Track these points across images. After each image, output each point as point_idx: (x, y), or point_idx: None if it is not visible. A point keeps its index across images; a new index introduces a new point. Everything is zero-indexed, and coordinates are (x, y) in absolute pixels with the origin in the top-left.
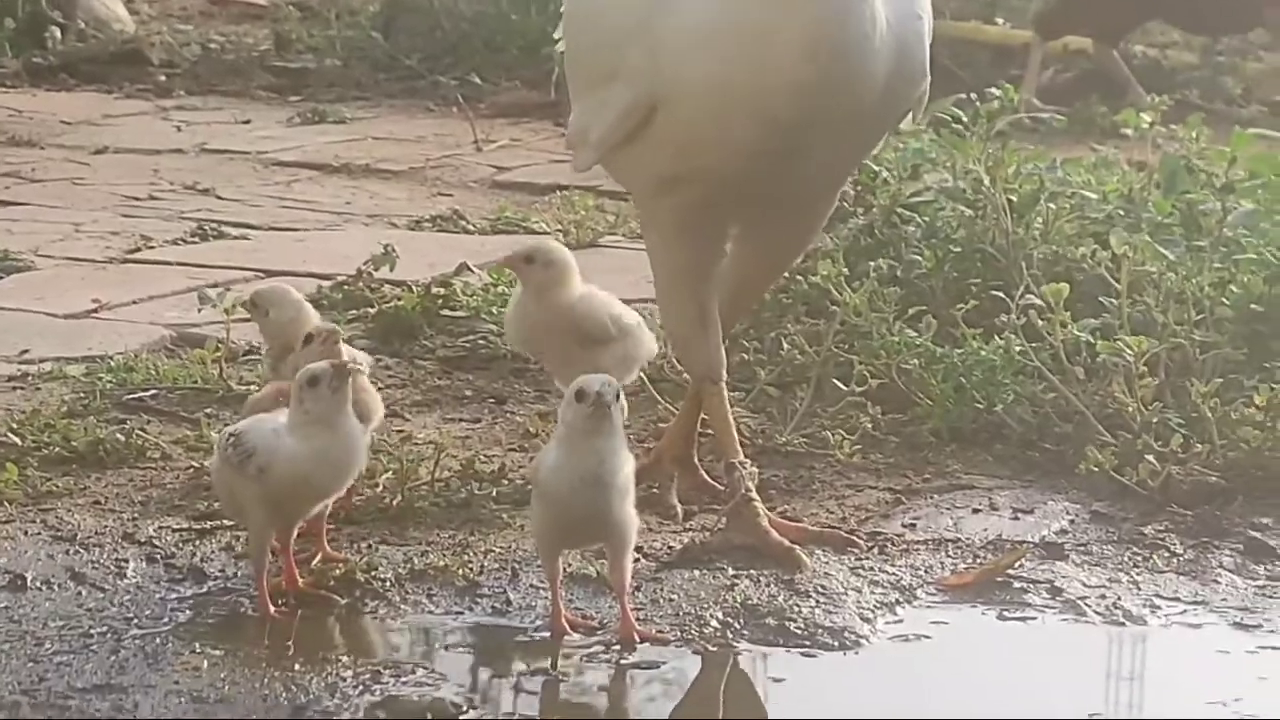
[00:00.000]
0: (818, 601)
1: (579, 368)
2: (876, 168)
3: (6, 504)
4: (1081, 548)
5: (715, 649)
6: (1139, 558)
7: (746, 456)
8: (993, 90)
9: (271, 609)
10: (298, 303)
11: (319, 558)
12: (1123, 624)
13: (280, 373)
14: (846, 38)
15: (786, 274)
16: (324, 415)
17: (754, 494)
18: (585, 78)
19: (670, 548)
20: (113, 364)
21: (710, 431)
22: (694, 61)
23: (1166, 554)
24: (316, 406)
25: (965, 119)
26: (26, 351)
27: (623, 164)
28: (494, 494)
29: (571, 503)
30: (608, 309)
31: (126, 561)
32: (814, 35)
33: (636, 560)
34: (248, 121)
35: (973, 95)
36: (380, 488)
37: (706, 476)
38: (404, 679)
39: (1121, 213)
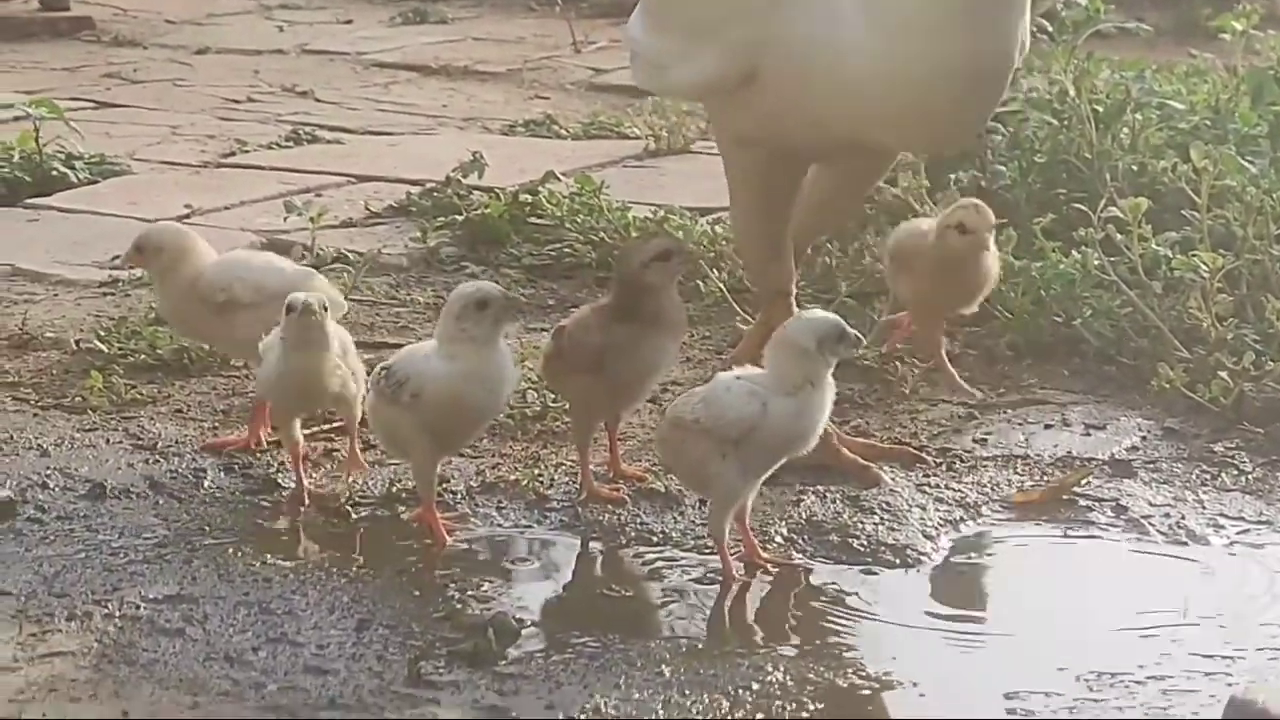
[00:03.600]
0: (881, 518)
1: None
2: None
3: (91, 412)
4: (1150, 465)
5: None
6: (1207, 476)
7: None
8: (1078, 0)
9: (448, 538)
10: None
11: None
12: (1185, 543)
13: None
14: (994, 89)
15: None
16: (480, 338)
17: None
18: (677, 20)
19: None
20: None
21: None
22: (815, 81)
23: (1235, 472)
24: (477, 330)
25: (1051, 29)
26: (118, 257)
27: (704, 103)
28: (569, 405)
29: None
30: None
31: (204, 471)
32: (967, 92)
33: None
34: (350, 21)
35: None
36: None
37: None
38: (469, 592)
39: (1208, 124)
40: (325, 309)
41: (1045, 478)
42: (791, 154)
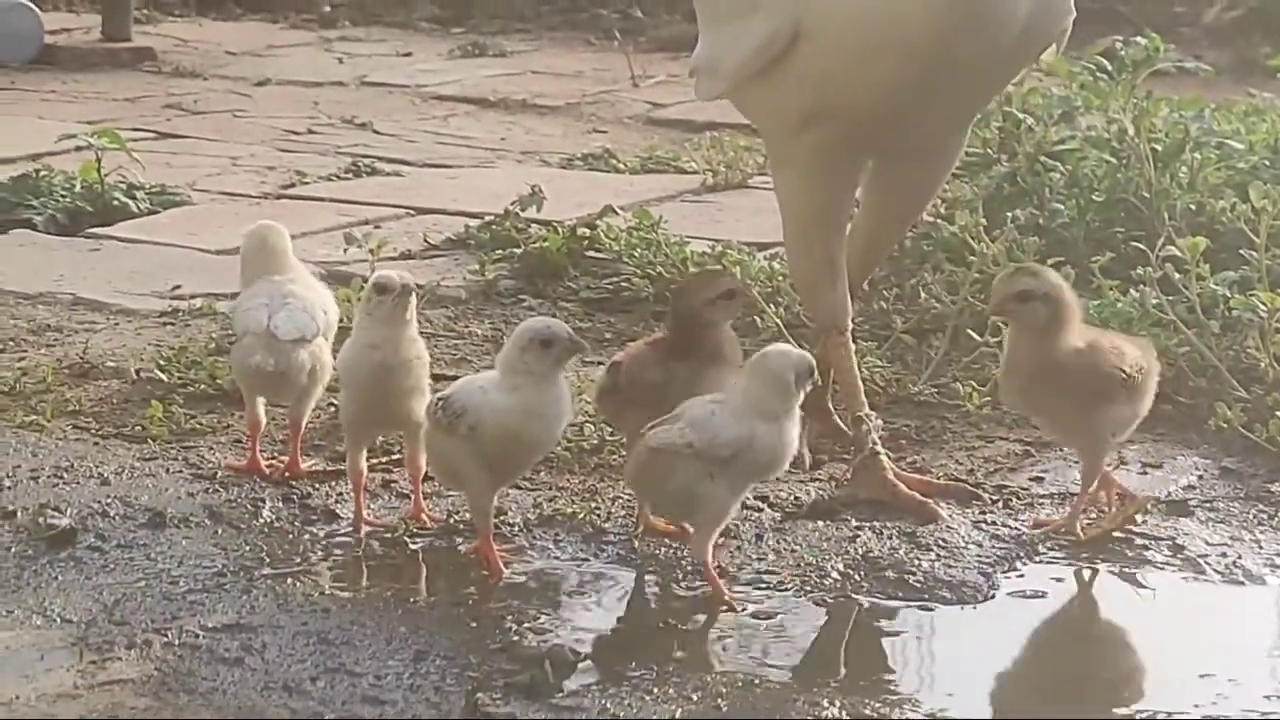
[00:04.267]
0: (938, 555)
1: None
2: (1022, 115)
3: (151, 441)
4: (1207, 504)
5: (834, 600)
6: (1264, 515)
7: (880, 405)
8: (1137, 40)
9: (505, 570)
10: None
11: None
12: (1241, 583)
13: None
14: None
15: (929, 217)
16: (540, 374)
17: (880, 448)
18: (723, 7)
19: (797, 498)
20: None
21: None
22: (864, 18)
23: None
24: (539, 366)
25: (1111, 68)
26: (178, 287)
27: (759, 100)
28: (625, 439)
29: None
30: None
31: (263, 501)
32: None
33: (760, 510)
34: (409, 54)
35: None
36: None
37: (839, 422)
38: (526, 624)
39: (1267, 163)
40: (413, 290)
41: (1102, 515)
42: (850, 132)
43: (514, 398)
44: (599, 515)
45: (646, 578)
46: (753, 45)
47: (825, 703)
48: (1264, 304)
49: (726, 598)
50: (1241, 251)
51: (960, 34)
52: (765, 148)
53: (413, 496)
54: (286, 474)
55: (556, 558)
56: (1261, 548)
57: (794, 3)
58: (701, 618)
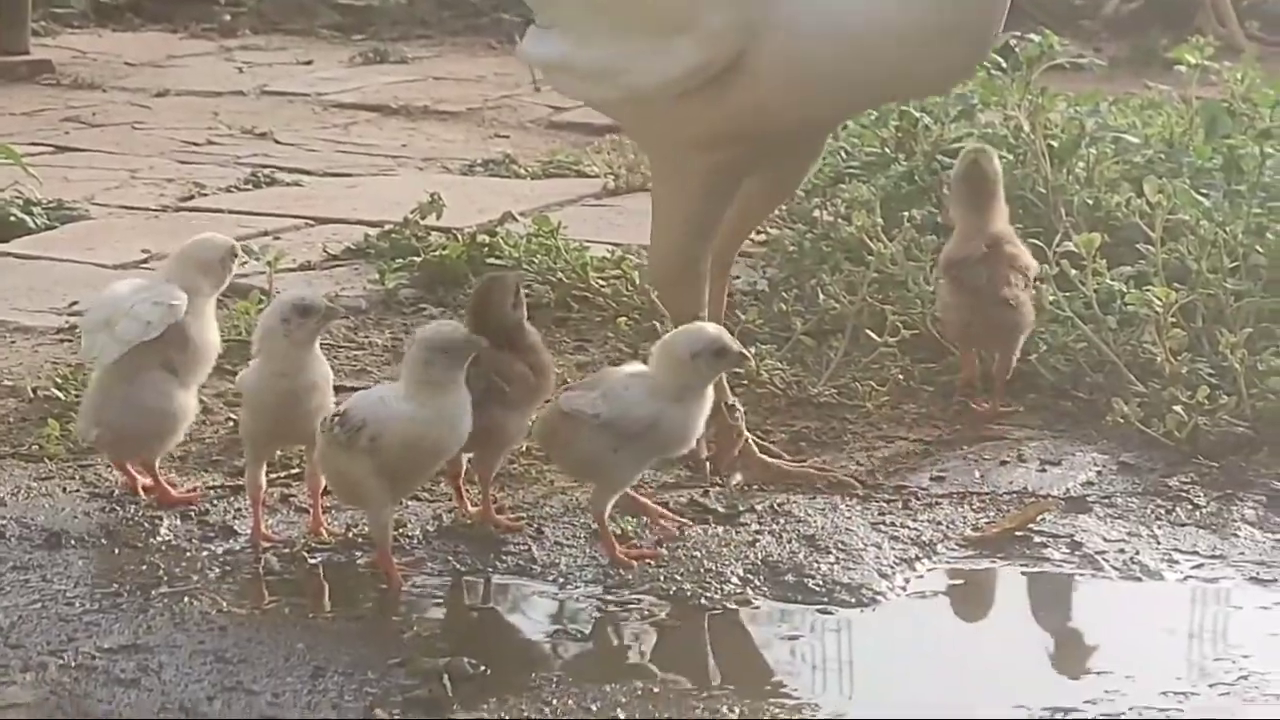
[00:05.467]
0: (837, 558)
1: None
2: (919, 113)
3: (47, 460)
4: (1106, 500)
5: (734, 605)
6: (1161, 510)
7: (780, 407)
8: (1031, 36)
9: (403, 583)
10: None
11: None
12: (1139, 579)
13: None
14: (985, 43)
15: (828, 217)
16: (445, 381)
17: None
18: (637, 21)
19: (696, 501)
20: None
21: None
22: (817, 53)
23: (1189, 506)
24: (445, 374)
25: (1006, 65)
26: (75, 303)
27: (655, 115)
28: (523, 448)
29: None
30: None
31: (160, 519)
32: (969, 43)
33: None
34: (310, 62)
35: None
36: None
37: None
38: (425, 637)
39: (1162, 157)
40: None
41: (1002, 514)
42: (750, 152)
43: (418, 406)
44: (498, 525)
45: (545, 588)
46: (682, 69)
47: (725, 708)
48: (1159, 299)
49: (618, 554)
50: (1138, 246)
51: (911, 75)
52: (651, 157)
53: (311, 511)
54: (159, 501)
55: (456, 569)
56: (1159, 543)
57: (742, 26)
58: (602, 627)
